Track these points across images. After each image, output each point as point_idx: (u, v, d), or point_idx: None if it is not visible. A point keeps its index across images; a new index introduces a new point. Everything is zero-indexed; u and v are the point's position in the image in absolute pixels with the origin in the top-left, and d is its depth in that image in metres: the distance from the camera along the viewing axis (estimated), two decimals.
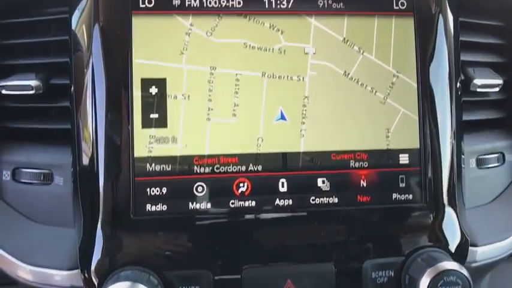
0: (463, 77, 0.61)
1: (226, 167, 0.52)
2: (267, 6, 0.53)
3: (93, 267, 0.49)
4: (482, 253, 0.57)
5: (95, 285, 0.49)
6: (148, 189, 0.50)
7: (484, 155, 0.63)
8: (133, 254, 0.50)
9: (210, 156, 0.51)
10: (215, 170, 0.52)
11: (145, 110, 0.51)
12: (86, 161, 0.52)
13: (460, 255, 0.54)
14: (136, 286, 0.46)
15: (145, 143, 0.51)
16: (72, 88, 0.53)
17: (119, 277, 0.47)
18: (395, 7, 0.55)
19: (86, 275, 0.49)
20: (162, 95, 0.51)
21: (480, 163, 0.62)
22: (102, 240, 0.50)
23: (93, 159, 0.51)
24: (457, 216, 0.55)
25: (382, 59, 0.54)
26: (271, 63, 0.53)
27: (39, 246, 0.54)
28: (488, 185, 0.64)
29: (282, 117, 0.53)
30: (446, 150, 0.55)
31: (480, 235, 0.58)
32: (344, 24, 0.54)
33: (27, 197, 0.57)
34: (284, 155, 0.53)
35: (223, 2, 0.53)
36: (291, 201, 0.52)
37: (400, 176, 0.54)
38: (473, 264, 0.57)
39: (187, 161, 0.51)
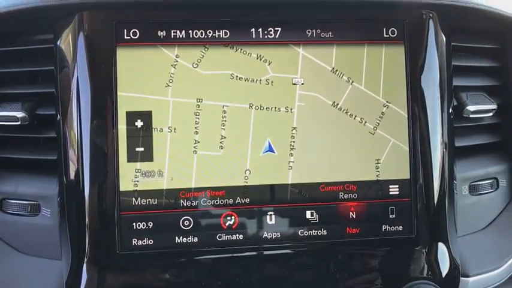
0: (455, 103, 0.60)
1: (213, 201, 0.51)
2: (254, 36, 0.52)
3: None
4: (474, 283, 0.57)
5: None
6: (134, 224, 0.50)
7: (477, 181, 0.62)
8: None
9: (196, 190, 0.51)
10: (202, 203, 0.51)
11: (131, 144, 0.50)
12: (71, 194, 0.51)
13: (451, 286, 0.54)
14: None
15: (130, 177, 0.50)
16: (58, 119, 0.53)
17: None
18: (385, 35, 0.54)
19: None
20: (148, 128, 0.51)
21: (473, 189, 0.62)
22: (88, 276, 0.49)
23: (79, 193, 0.50)
24: (448, 247, 0.54)
25: (372, 89, 0.54)
26: (259, 94, 0.52)
27: (25, 277, 0.53)
28: (481, 212, 0.63)
29: (270, 149, 0.52)
30: (438, 180, 0.54)
31: (472, 264, 0.58)
32: (333, 54, 0.53)
33: (14, 228, 0.56)
34: (272, 187, 0.52)
35: (210, 32, 0.52)
36: (279, 234, 0.52)
37: (390, 208, 0.53)
38: None
39: (173, 195, 0.51)
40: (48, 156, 0.55)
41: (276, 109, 0.52)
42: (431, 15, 0.56)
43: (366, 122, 0.53)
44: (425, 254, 0.53)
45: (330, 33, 0.53)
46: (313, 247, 0.52)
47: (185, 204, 0.51)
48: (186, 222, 0.51)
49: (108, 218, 0.50)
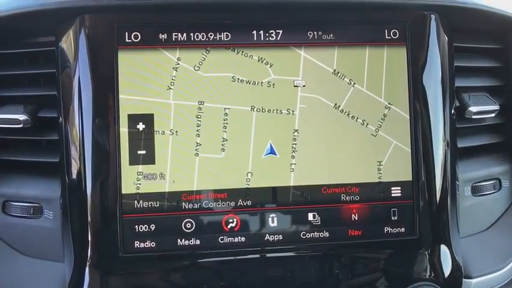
0: (458, 104, 0.60)
1: (215, 203, 0.51)
2: (255, 38, 0.52)
3: None
4: (477, 284, 0.57)
5: None
6: (136, 226, 0.50)
7: (480, 182, 0.62)
8: None
9: (198, 192, 0.51)
10: (204, 206, 0.51)
11: (133, 147, 0.50)
12: (74, 197, 0.51)
13: None
14: None
15: (133, 179, 0.50)
16: (60, 121, 0.53)
17: None
18: (387, 37, 0.54)
19: None
20: (150, 131, 0.51)
21: (475, 190, 0.61)
22: (91, 278, 0.50)
23: (81, 195, 0.51)
24: (451, 249, 0.54)
25: (374, 91, 0.54)
26: (260, 96, 0.52)
27: (28, 279, 0.54)
28: (484, 212, 0.63)
29: (272, 152, 0.52)
30: (440, 182, 0.54)
31: (475, 265, 0.58)
32: (334, 56, 0.53)
33: (16, 230, 0.56)
34: (274, 189, 0.52)
35: (211, 35, 0.52)
36: (281, 237, 0.52)
37: (392, 209, 0.53)
38: None
39: (175, 198, 0.51)
40: (50, 159, 0.55)
41: (278, 111, 0.52)
42: (432, 16, 0.55)
43: (367, 124, 0.53)
44: (427, 255, 0.53)
45: (332, 35, 0.53)
46: (315, 249, 0.52)
47: (187, 207, 0.51)
48: (188, 225, 0.51)
49: (110, 220, 0.50)
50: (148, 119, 0.51)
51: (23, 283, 0.53)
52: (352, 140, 0.53)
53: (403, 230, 0.53)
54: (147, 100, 0.51)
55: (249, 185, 0.52)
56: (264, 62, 0.52)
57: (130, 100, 0.51)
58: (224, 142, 0.52)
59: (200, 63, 0.52)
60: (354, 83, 0.53)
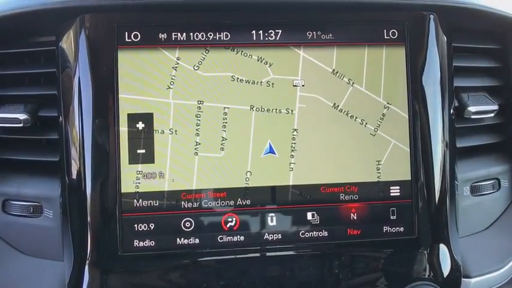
0: (457, 104, 0.60)
1: (214, 202, 0.51)
2: (254, 38, 0.53)
3: None
4: (476, 284, 0.57)
5: None
6: (135, 225, 0.50)
7: (479, 182, 0.62)
8: None
9: (197, 191, 0.51)
10: (203, 205, 0.51)
11: (132, 146, 0.51)
12: (73, 196, 0.51)
13: (453, 287, 0.54)
14: None
15: (132, 178, 0.50)
16: (61, 120, 0.53)
17: None
18: (386, 37, 0.54)
19: None
20: (149, 130, 0.51)
21: (474, 190, 0.61)
22: (90, 277, 0.50)
23: (81, 194, 0.51)
24: (450, 248, 0.54)
25: (373, 90, 0.54)
26: (260, 96, 0.52)
27: (27, 278, 0.54)
28: (483, 212, 0.63)
29: (271, 151, 0.52)
30: (439, 181, 0.54)
31: (474, 265, 0.58)
32: (333, 56, 0.53)
33: (16, 229, 0.56)
34: (273, 188, 0.52)
35: (210, 35, 0.52)
36: (280, 236, 0.52)
37: (391, 209, 0.53)
38: None
39: (174, 197, 0.51)
40: (50, 158, 0.56)
41: (277, 111, 0.52)
42: (431, 16, 0.56)
43: (366, 124, 0.53)
44: (426, 255, 0.53)
45: (331, 34, 0.53)
46: (314, 248, 0.52)
47: (186, 206, 0.51)
48: (188, 224, 0.51)
49: (110, 219, 0.50)
50: (147, 118, 0.51)
51: (22, 282, 0.54)
52: (351, 139, 0.53)
53: (402, 229, 0.53)
54: (147, 99, 0.51)
55: (248, 184, 0.52)
56: (264, 61, 0.52)
57: (130, 99, 0.51)
58: (223, 141, 0.52)
59: (200, 62, 0.52)
60: (353, 83, 0.53)
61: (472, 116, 0.60)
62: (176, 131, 0.51)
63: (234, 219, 0.52)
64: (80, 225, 0.51)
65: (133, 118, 0.51)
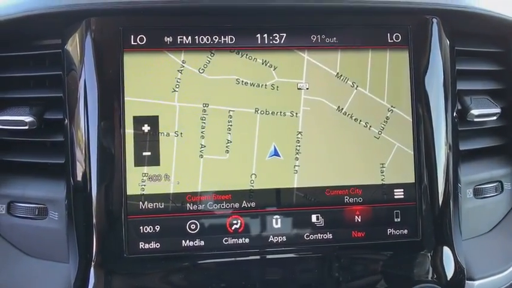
0: (460, 107, 0.60)
1: (219, 204, 0.52)
2: (259, 42, 0.53)
3: None
4: (479, 286, 0.57)
5: None
6: (141, 227, 0.50)
7: (482, 184, 0.62)
8: None
9: (203, 194, 0.51)
10: (208, 207, 0.51)
11: (138, 148, 0.51)
12: (79, 198, 0.52)
13: None
14: None
15: (138, 181, 0.51)
16: (66, 123, 0.53)
17: None
18: (389, 40, 0.55)
19: None
20: (155, 132, 0.51)
21: (478, 193, 0.62)
22: (96, 279, 0.50)
23: (86, 196, 0.51)
24: (453, 251, 0.55)
25: (377, 93, 0.54)
26: (264, 99, 0.53)
27: (33, 280, 0.54)
28: (486, 215, 0.63)
29: (276, 154, 0.53)
30: (443, 184, 0.54)
31: (478, 267, 0.58)
32: (337, 59, 0.54)
33: (21, 231, 0.57)
34: (278, 191, 0.52)
35: (215, 38, 0.52)
36: (285, 238, 0.52)
37: (395, 211, 0.54)
38: None
39: (180, 199, 0.51)
40: (55, 160, 0.56)
41: (282, 114, 0.53)
42: (434, 20, 0.56)
43: (370, 127, 0.54)
44: (430, 257, 0.54)
45: (335, 38, 0.54)
46: (318, 251, 0.52)
47: (191, 208, 0.51)
48: (193, 226, 0.51)
49: (115, 221, 0.50)
50: (153, 120, 0.51)
51: (28, 283, 0.54)
52: (355, 142, 0.53)
53: (406, 231, 0.53)
54: (152, 102, 0.51)
55: (253, 186, 0.52)
56: (268, 64, 0.53)
57: (135, 102, 0.51)
58: (228, 144, 0.52)
59: (205, 65, 0.52)
60: (357, 86, 0.54)
61: (475, 119, 0.60)
62: (181, 134, 0.51)
63: (239, 221, 0.52)
64: (85, 227, 0.51)
65: (139, 121, 0.51)
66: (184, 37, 0.52)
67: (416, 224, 0.54)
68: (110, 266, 0.50)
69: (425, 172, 0.54)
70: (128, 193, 0.50)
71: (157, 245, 0.51)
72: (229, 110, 0.52)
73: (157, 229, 0.51)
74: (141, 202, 0.50)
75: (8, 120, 0.56)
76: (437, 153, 0.54)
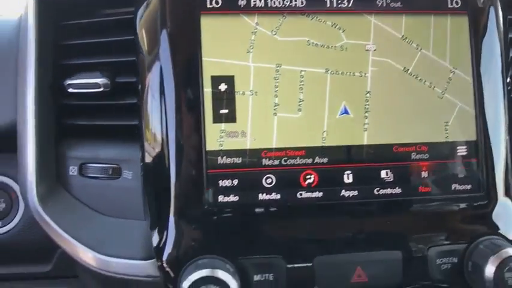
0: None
1: (293, 160, 0.54)
2: (328, 5, 0.55)
3: (169, 257, 0.51)
4: None
5: (171, 274, 0.51)
6: (220, 181, 0.52)
7: None
8: (207, 243, 0.52)
9: (277, 150, 0.53)
10: (283, 162, 0.53)
11: (216, 106, 0.53)
12: (157, 156, 0.53)
13: None
14: (216, 272, 0.48)
15: (216, 137, 0.53)
16: (140, 86, 0.55)
17: (198, 265, 0.49)
18: (449, 6, 0.57)
19: (162, 264, 0.51)
20: (231, 91, 0.53)
21: None
22: (177, 231, 0.52)
23: (164, 154, 0.53)
24: None
25: (439, 56, 0.57)
26: (334, 59, 0.55)
27: (111, 237, 0.56)
28: None
29: (346, 112, 0.55)
30: (502, 142, 0.57)
31: None
32: (402, 23, 0.56)
33: (94, 191, 0.58)
34: (349, 148, 0.55)
35: (287, 1, 0.55)
36: (356, 193, 0.54)
37: (459, 167, 0.56)
38: None
39: (256, 154, 0.53)
40: (128, 122, 0.58)
41: (351, 74, 0.55)
42: None
43: (434, 87, 0.56)
44: (493, 211, 0.56)
45: (399, 3, 0.56)
46: (388, 204, 0.54)
47: (267, 163, 0.53)
48: (268, 180, 0.53)
49: (195, 176, 0.52)
50: (229, 80, 0.53)
51: (108, 240, 0.55)
52: (421, 101, 0.56)
53: (469, 186, 0.56)
54: (229, 63, 0.53)
55: (324, 143, 0.54)
56: (337, 27, 0.55)
57: (213, 63, 0.53)
58: (300, 103, 0.54)
59: (277, 28, 0.54)
60: (421, 48, 0.56)
61: None
62: (256, 93, 0.54)
63: (312, 176, 0.54)
64: (164, 184, 0.52)
65: (216, 80, 0.53)
66: (257, 0, 0.54)
67: (479, 179, 0.56)
68: (190, 220, 0.52)
69: (485, 130, 0.56)
70: (207, 149, 0.52)
71: (236, 198, 0.52)
72: (301, 70, 0.54)
73: (235, 183, 0.52)
74: (219, 157, 0.52)
75: (82, 83, 0.58)
76: (496, 112, 0.57)
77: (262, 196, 0.53)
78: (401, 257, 0.53)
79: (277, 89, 0.54)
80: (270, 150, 0.53)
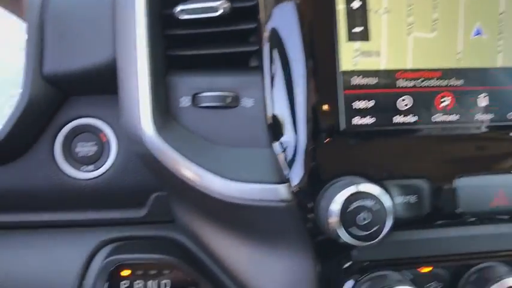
0: None
1: (429, 81, 0.52)
2: None
3: (304, 180, 0.49)
4: None
5: (307, 197, 0.49)
6: (355, 102, 0.50)
7: None
8: (346, 165, 0.50)
9: (413, 70, 0.51)
10: (418, 84, 0.51)
11: (349, 24, 0.51)
12: (283, 79, 0.51)
13: None
14: (367, 187, 0.46)
15: (350, 56, 0.50)
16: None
17: (340, 185, 0.47)
18: None
19: (298, 187, 0.49)
20: (364, 8, 0.51)
21: None
22: (312, 153, 0.50)
23: (293, 76, 0.51)
24: None
25: None
26: None
27: (237, 164, 0.53)
28: None
29: (479, 33, 0.53)
30: None
31: None
32: None
33: (211, 122, 0.55)
34: (484, 70, 0.52)
35: None
36: (492, 115, 0.52)
37: None
38: None
39: (391, 75, 0.51)
40: (247, 48, 0.55)
41: None
42: None
43: None
44: None
45: None
46: None
47: (402, 85, 0.51)
48: (403, 102, 0.51)
49: (330, 97, 0.50)
50: None
51: (232, 168, 0.52)
52: None
53: None
54: None
55: (459, 64, 0.52)
56: None
57: None
58: (435, 22, 0.52)
59: None
60: None
61: None
62: (390, 11, 0.51)
63: (448, 98, 0.52)
64: (293, 107, 0.50)
65: None
66: None
67: None
68: (325, 142, 0.50)
69: None
70: (342, 69, 0.50)
71: (372, 120, 0.50)
72: None
73: (371, 104, 0.50)
74: (355, 76, 0.50)
75: (197, 8, 0.55)
76: None
77: (397, 118, 0.51)
78: None
79: (411, 7, 0.52)
80: (405, 71, 0.51)
